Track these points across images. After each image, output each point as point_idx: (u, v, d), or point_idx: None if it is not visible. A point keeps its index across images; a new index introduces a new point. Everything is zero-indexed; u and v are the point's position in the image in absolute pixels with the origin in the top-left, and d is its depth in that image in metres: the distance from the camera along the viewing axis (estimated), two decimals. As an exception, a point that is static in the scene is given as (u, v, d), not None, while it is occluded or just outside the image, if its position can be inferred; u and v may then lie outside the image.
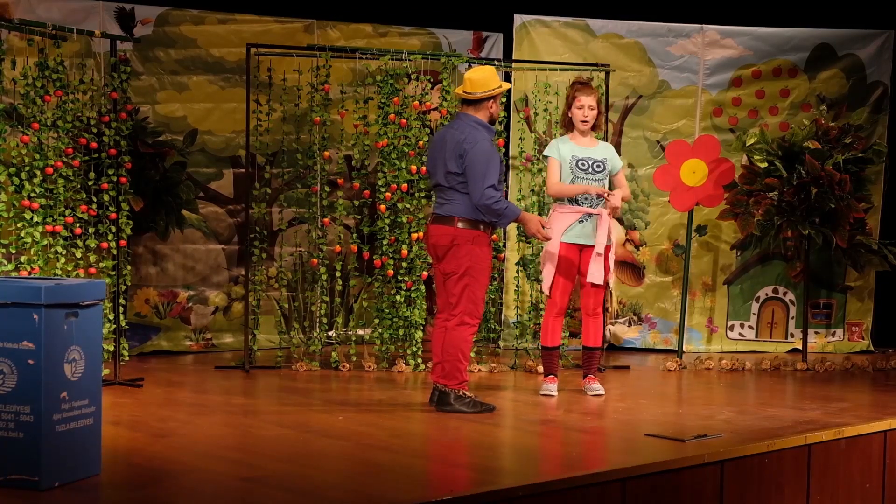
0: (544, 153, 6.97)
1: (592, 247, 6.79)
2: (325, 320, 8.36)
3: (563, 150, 6.85)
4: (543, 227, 6.38)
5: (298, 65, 8.35)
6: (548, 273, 6.83)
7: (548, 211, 7.66)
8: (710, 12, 9.21)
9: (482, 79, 6.26)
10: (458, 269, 6.21)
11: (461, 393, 6.25)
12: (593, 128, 6.95)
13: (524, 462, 5.29)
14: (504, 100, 8.16)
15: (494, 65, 8.43)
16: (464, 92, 6.28)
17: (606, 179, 6.88)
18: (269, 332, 8.55)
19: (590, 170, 6.82)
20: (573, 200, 6.81)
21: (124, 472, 4.73)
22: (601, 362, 8.00)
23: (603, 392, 6.92)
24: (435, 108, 8.24)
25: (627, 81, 9.12)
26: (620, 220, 9.05)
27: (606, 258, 6.81)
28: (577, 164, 6.81)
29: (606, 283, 6.94)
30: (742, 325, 9.27)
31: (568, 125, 6.95)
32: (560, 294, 6.84)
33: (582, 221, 6.80)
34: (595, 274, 6.78)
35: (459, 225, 6.21)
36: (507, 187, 8.49)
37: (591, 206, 6.80)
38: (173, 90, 8.48)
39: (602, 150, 6.93)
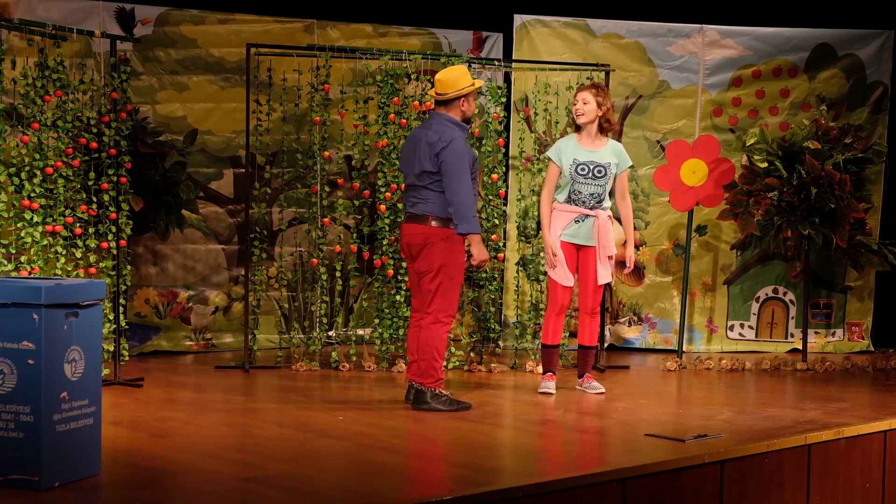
0: (546, 153, 6.97)
1: (589, 247, 6.81)
2: (325, 320, 8.36)
3: (566, 152, 6.82)
4: (483, 263, 6.31)
5: (298, 65, 8.35)
6: (560, 269, 6.79)
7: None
8: (710, 12, 9.21)
9: (452, 79, 6.28)
10: (432, 268, 6.22)
11: (437, 391, 6.26)
12: (604, 129, 6.91)
13: (524, 462, 5.29)
14: (504, 100, 8.16)
15: (494, 65, 8.45)
16: (436, 93, 6.32)
17: (609, 184, 6.86)
18: (269, 332, 8.55)
19: (590, 175, 6.79)
20: (571, 200, 6.82)
21: (124, 472, 4.73)
22: (601, 362, 8.01)
23: (603, 390, 6.92)
24: (432, 108, 8.23)
25: (627, 81, 9.12)
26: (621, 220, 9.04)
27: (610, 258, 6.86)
28: (576, 170, 6.79)
29: (607, 284, 6.97)
30: (742, 325, 9.27)
31: (577, 127, 6.95)
32: (562, 292, 6.85)
33: (578, 222, 6.82)
34: (603, 275, 6.81)
35: (433, 224, 6.22)
36: (507, 187, 8.49)
37: (588, 208, 6.81)
38: (173, 90, 8.48)
39: (608, 153, 6.86)
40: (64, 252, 6.83)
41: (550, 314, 6.90)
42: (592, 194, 6.81)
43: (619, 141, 9.07)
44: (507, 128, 8.37)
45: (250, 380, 7.41)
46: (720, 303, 9.26)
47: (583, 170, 6.78)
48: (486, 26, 9.34)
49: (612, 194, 6.94)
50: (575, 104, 6.88)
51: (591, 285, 6.87)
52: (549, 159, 6.91)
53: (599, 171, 6.79)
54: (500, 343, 8.47)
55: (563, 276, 6.83)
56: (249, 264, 7.92)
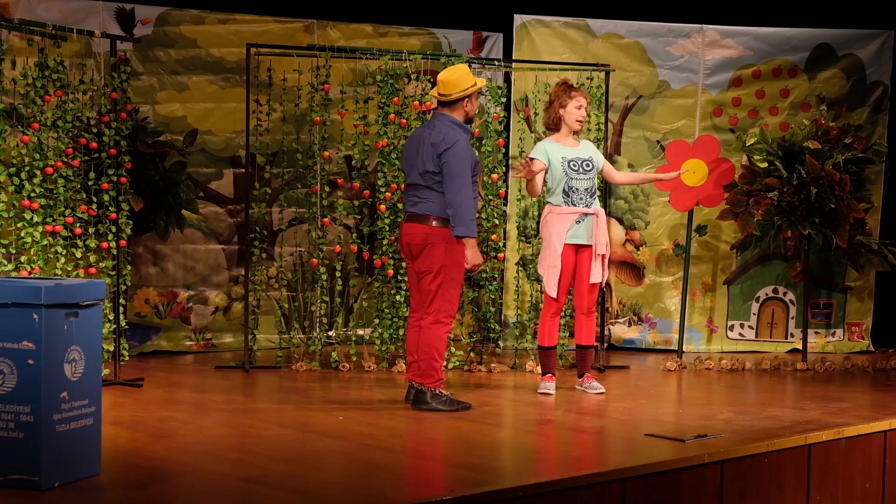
0: (531, 155, 6.95)
1: (587, 247, 6.82)
2: (325, 320, 8.36)
3: (552, 152, 6.86)
4: (477, 267, 6.28)
5: (298, 65, 8.35)
6: (553, 275, 6.81)
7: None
8: (710, 12, 9.21)
9: (455, 79, 6.28)
10: (433, 268, 6.22)
11: (437, 391, 6.26)
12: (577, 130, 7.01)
13: (524, 462, 5.29)
14: (504, 100, 8.16)
15: (494, 65, 8.45)
16: (439, 94, 6.32)
17: (596, 177, 6.94)
18: (269, 332, 8.55)
19: (580, 169, 6.86)
20: (569, 202, 6.83)
21: (124, 472, 4.73)
22: (601, 362, 8.01)
23: (603, 390, 6.92)
24: (434, 108, 8.23)
25: (627, 81, 9.12)
26: (620, 220, 9.06)
27: (603, 256, 6.88)
28: (569, 165, 6.84)
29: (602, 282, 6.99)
30: (742, 325, 9.27)
31: (555, 126, 6.95)
32: (560, 294, 6.86)
33: (579, 222, 6.83)
34: (597, 273, 6.83)
35: (434, 224, 6.22)
36: (507, 188, 8.49)
37: (585, 206, 6.83)
38: (173, 90, 8.48)
39: (586, 149, 6.99)
40: (64, 252, 6.83)
41: (545, 316, 6.92)
42: (587, 189, 6.86)
43: (620, 141, 9.11)
44: (507, 128, 8.37)
45: (250, 380, 7.41)
46: (720, 303, 9.26)
47: (574, 165, 6.84)
48: (486, 26, 9.34)
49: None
50: (578, 108, 6.88)
51: (587, 285, 6.89)
52: (533, 160, 6.89)
53: (587, 165, 6.89)
54: (500, 343, 8.47)
55: (552, 282, 6.83)
56: (249, 264, 7.92)
